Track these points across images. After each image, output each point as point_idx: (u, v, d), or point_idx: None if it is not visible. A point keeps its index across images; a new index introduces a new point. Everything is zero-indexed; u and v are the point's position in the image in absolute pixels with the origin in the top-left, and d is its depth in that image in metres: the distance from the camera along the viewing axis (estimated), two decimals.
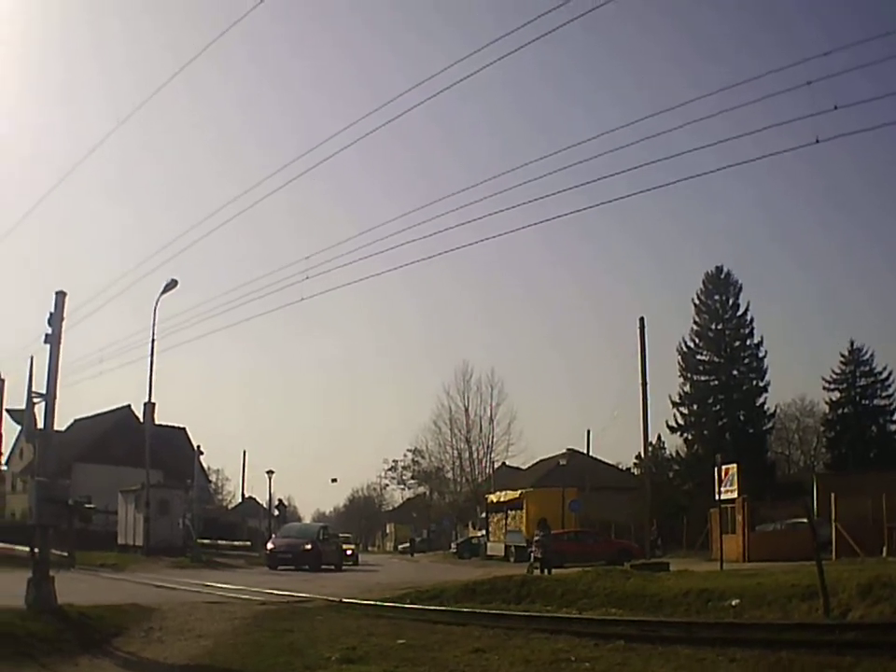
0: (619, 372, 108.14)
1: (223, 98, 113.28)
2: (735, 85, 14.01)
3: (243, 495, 76.74)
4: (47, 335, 13.82)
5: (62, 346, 13.96)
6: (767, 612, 14.96)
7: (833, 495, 31.55)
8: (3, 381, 33.52)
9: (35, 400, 13.76)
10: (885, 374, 63.83)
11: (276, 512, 57.91)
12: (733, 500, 32.23)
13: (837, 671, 8.55)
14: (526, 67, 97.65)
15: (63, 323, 14.06)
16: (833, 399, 65.73)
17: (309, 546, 35.40)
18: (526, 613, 15.37)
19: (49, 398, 13.61)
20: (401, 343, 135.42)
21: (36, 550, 12.99)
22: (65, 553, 17.70)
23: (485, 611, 15.62)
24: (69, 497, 13.61)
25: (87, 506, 15.10)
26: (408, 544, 79.42)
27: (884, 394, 64.14)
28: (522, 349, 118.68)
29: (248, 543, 49.98)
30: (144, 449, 40.13)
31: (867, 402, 64.25)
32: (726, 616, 14.89)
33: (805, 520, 16.54)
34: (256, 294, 21.62)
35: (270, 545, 36.73)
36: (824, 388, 66.35)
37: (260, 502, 70.22)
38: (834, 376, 65.68)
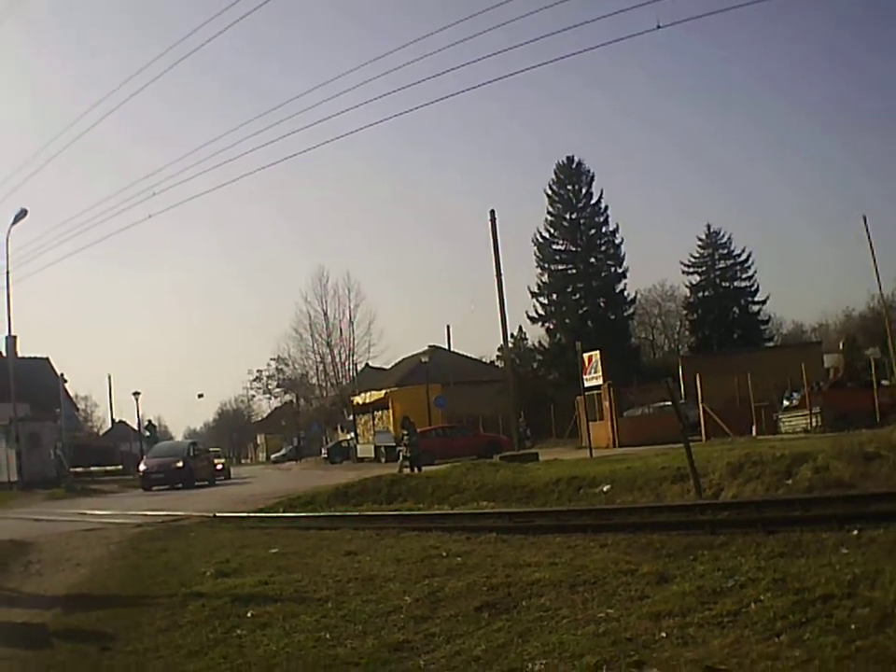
0: (475, 266, 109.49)
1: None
2: None
3: (112, 419, 75.28)
4: None
5: None
6: (639, 496, 15.49)
7: (698, 376, 31.73)
8: None
9: None
10: (744, 256, 64.97)
11: (147, 433, 57.34)
12: (598, 387, 31.89)
13: (709, 549, 8.61)
14: None
15: None
16: (693, 282, 66.37)
17: (180, 464, 35.50)
18: (397, 512, 15.75)
19: None
20: (255, 252, 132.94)
21: None
22: None
23: (356, 514, 16.06)
24: None
25: None
26: (282, 452, 79.22)
27: (744, 276, 65.23)
28: (377, 250, 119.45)
29: (121, 467, 49.52)
30: (8, 383, 39.16)
31: (727, 284, 65.20)
32: (598, 502, 15.43)
33: (671, 402, 17.08)
34: (104, 215, 21.35)
35: (142, 466, 36.58)
36: (683, 272, 67.21)
37: (131, 425, 69.15)
38: (693, 260, 66.43)
